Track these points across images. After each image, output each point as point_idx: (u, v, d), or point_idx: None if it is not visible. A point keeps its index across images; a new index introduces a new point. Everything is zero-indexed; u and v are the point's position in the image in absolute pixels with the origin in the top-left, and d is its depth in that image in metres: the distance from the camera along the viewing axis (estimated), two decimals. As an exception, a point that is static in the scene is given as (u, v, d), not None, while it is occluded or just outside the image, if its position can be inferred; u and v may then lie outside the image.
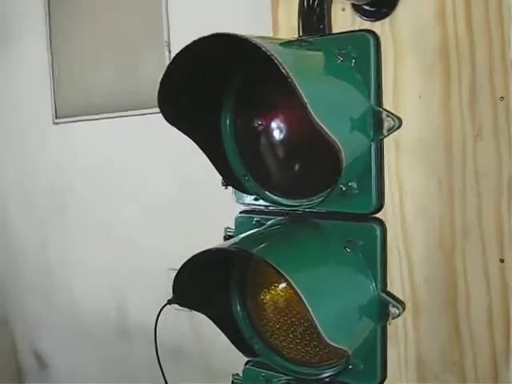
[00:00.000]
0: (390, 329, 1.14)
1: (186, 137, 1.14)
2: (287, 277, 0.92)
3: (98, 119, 2.65)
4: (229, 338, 1.23)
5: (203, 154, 1.18)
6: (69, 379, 3.11)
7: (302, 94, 0.88)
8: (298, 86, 0.88)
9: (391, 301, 1.09)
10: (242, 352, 1.26)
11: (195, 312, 2.21)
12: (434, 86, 1.33)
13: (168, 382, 2.24)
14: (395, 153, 1.32)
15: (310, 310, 0.92)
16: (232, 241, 1.09)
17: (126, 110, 2.50)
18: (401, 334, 1.18)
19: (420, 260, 1.26)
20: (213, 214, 1.69)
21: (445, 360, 1.13)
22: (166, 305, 2.26)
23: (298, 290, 0.91)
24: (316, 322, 0.93)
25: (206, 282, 1.16)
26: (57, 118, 2.88)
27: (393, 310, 1.07)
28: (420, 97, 1.33)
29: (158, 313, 2.22)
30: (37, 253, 3.15)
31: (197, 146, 1.15)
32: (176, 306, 2.25)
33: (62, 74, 2.86)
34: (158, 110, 1.07)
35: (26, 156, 3.13)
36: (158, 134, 2.34)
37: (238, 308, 1.24)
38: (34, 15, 2.94)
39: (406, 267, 1.27)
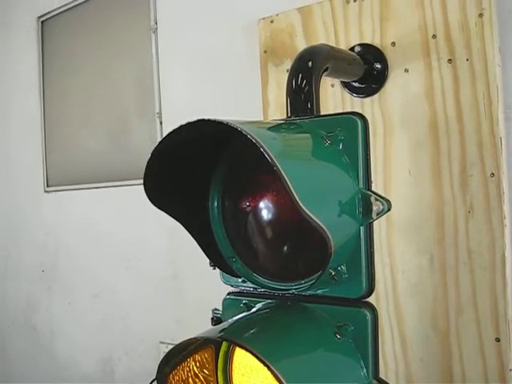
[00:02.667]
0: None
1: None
2: (272, 368, 0.88)
3: (89, 188, 2.65)
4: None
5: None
6: None
7: (288, 182, 0.87)
8: (283, 174, 0.87)
9: None
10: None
11: None
12: (424, 163, 1.33)
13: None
14: (386, 230, 1.31)
15: None
16: (220, 327, 1.06)
17: (117, 180, 2.49)
18: None
19: (414, 340, 1.23)
20: (205, 286, 1.66)
21: None
22: (153, 380, 2.22)
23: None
24: None
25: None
26: (48, 186, 2.88)
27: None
28: (410, 173, 1.33)
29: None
30: (22, 322, 3.09)
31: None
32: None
33: (53, 143, 2.87)
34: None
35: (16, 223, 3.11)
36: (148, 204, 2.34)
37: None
38: (29, 87, 2.98)
39: (400, 347, 1.24)
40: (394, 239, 1.29)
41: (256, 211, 1.15)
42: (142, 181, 2.04)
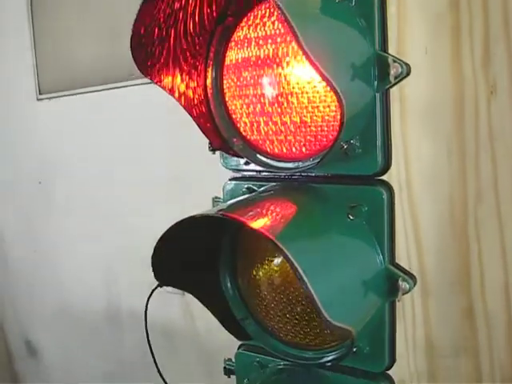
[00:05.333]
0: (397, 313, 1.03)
1: (176, 107, 1.03)
2: (282, 248, 0.79)
3: (83, 93, 2.52)
4: (219, 319, 1.11)
5: (194, 126, 1.06)
6: (59, 365, 3.02)
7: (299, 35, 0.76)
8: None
9: (401, 274, 0.96)
10: (235, 335, 1.14)
11: (187, 295, 2.13)
12: (443, 39, 1.19)
13: (161, 364, 2.14)
14: (400, 113, 1.19)
15: (308, 284, 0.79)
16: (219, 207, 0.96)
17: (112, 83, 2.36)
18: (408, 315, 1.07)
19: (429, 232, 1.13)
20: (203, 187, 1.57)
21: (457, 343, 1.03)
22: (155, 288, 2.17)
23: (295, 263, 0.78)
24: (315, 297, 0.79)
25: (190, 258, 1.03)
26: (40, 93, 2.74)
27: (403, 285, 0.95)
28: (426, 50, 1.20)
29: (148, 296, 2.13)
30: (22, 238, 3.03)
31: (187, 119, 1.04)
32: (167, 288, 2.18)
33: (44, 49, 2.72)
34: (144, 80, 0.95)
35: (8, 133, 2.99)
36: (144, 108, 2.22)
37: (229, 285, 1.12)
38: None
39: (413, 241, 1.14)
40: (409, 124, 1.17)
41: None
42: (136, 81, 1.93)
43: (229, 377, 1.25)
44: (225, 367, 1.25)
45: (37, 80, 2.77)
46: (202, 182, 1.63)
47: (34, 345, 3.14)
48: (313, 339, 1.06)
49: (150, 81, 1.03)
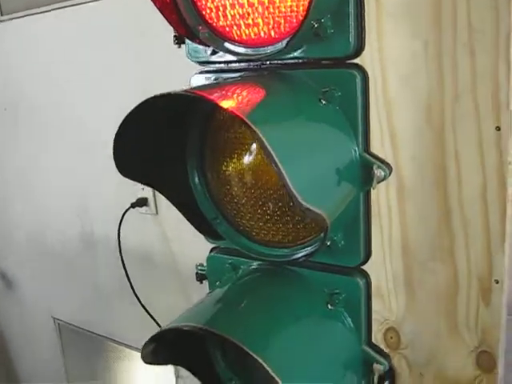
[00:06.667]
0: (372, 212, 1.01)
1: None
2: (255, 129, 0.75)
3: (45, 12, 2.40)
4: (189, 219, 1.07)
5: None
6: (35, 295, 3.00)
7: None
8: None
9: (376, 162, 0.93)
10: (205, 235, 1.11)
11: (160, 214, 2.09)
12: None
13: (137, 287, 2.14)
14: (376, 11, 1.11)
15: (280, 165, 0.76)
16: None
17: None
18: (385, 219, 1.02)
19: (405, 134, 1.09)
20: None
21: (433, 247, 1.01)
22: (128, 209, 2.14)
23: (268, 145, 0.75)
24: (288, 181, 0.76)
25: (155, 149, 0.98)
26: (2, 15, 2.62)
27: (378, 172, 0.92)
28: None
29: (121, 217, 2.11)
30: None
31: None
32: (140, 209, 2.15)
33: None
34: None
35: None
36: (106, 25, 2.13)
37: (197, 181, 1.07)
38: None
39: (389, 142, 1.09)
40: (382, 21, 1.10)
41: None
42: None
43: (201, 282, 1.23)
44: (197, 273, 1.22)
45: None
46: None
47: (9, 277, 3.12)
48: (285, 235, 1.04)
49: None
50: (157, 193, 1.95)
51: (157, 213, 2.11)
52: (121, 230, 2.08)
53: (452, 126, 1.03)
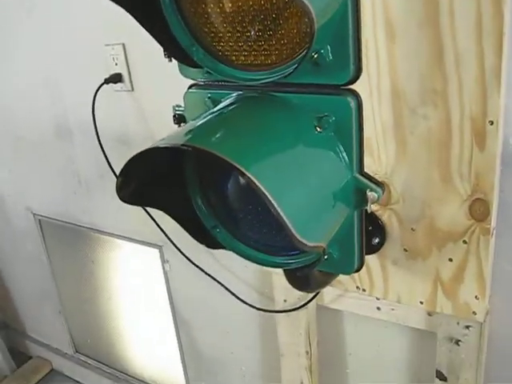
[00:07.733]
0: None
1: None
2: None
3: None
4: None
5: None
6: (12, 193, 2.90)
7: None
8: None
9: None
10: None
11: (138, 91, 1.95)
12: None
13: (118, 169, 1.96)
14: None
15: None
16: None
17: None
18: (373, 66, 0.99)
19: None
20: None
21: (424, 90, 0.97)
22: (102, 84, 1.97)
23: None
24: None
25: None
26: None
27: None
28: None
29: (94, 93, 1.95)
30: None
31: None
32: (115, 86, 1.95)
33: None
34: None
35: None
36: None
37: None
38: None
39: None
40: None
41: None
42: None
43: (179, 125, 1.15)
44: (174, 115, 1.15)
45: None
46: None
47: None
48: (267, 55, 0.96)
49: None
50: (132, 67, 1.91)
51: (132, 89, 1.98)
52: (95, 112, 1.93)
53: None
